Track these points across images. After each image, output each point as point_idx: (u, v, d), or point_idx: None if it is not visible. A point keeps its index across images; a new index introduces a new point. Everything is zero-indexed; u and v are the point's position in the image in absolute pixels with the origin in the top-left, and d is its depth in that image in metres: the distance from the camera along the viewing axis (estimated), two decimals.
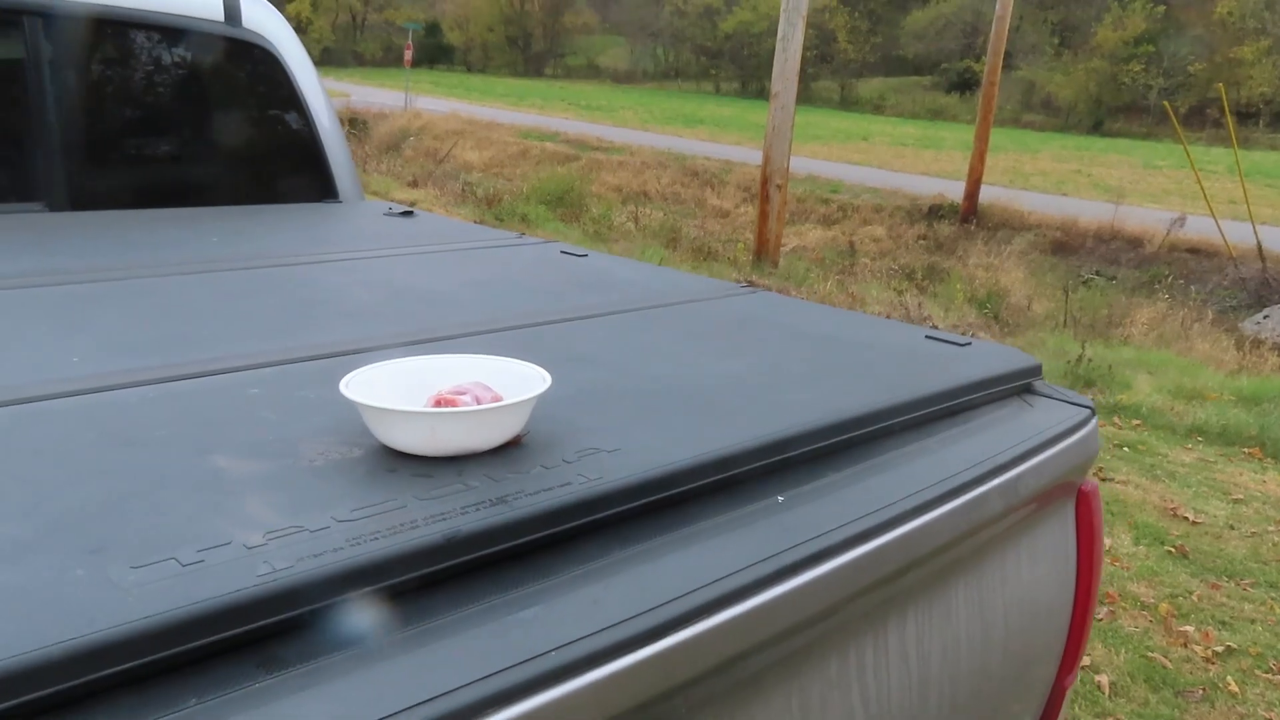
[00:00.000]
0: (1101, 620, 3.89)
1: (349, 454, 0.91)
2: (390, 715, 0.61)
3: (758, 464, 0.99)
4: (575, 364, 1.25)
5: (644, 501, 0.89)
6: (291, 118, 2.57)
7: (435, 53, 59.06)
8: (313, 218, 2.37)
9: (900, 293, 9.41)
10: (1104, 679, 3.46)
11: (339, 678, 0.65)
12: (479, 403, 0.96)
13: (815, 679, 0.93)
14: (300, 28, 58.28)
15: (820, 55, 44.92)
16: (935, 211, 16.20)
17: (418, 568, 0.74)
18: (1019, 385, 1.37)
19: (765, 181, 11.32)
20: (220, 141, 2.50)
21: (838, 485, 1.02)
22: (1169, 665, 3.58)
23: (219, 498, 0.81)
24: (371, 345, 1.26)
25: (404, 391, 0.96)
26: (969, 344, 1.46)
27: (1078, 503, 1.35)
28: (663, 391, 1.17)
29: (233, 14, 2.41)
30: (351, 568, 0.71)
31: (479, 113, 29.76)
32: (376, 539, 0.74)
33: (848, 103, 44.71)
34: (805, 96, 44.36)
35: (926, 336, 1.50)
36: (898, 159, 24.09)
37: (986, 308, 9.58)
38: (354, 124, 24.77)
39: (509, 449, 0.95)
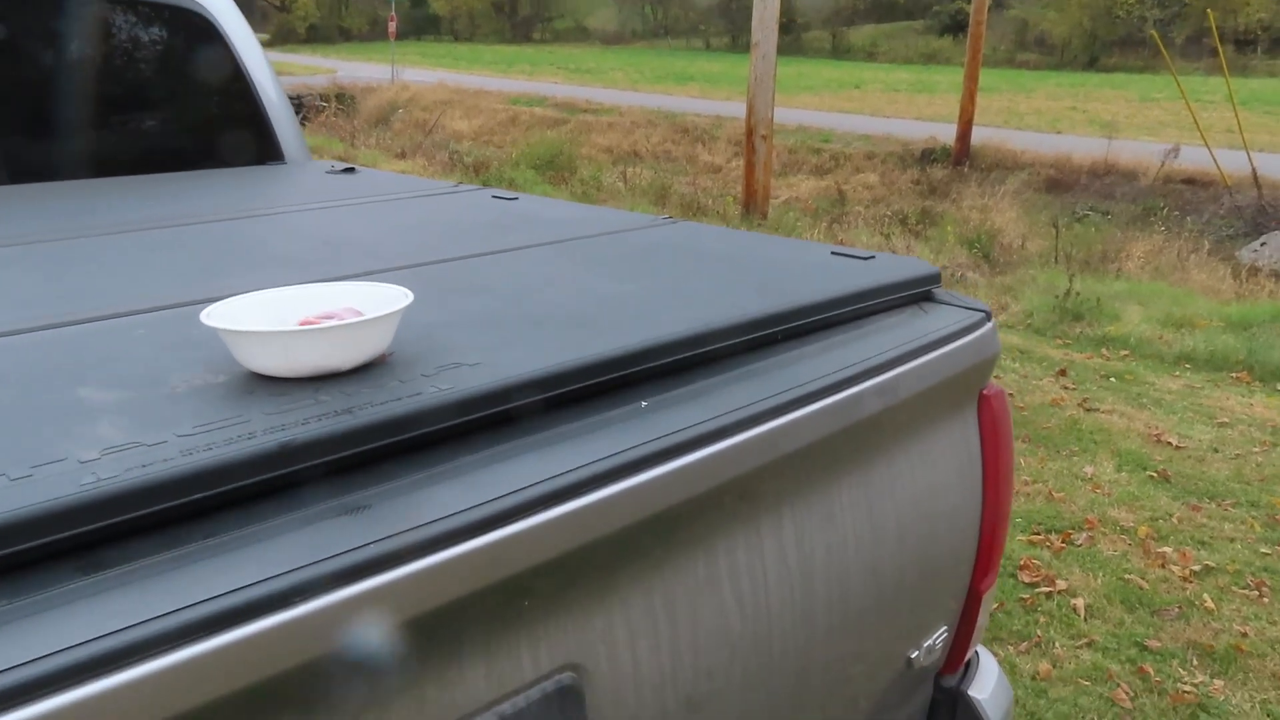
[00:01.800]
0: (1080, 546, 3.92)
1: (212, 380, 0.93)
2: (201, 603, 0.64)
3: (622, 373, 1.01)
4: (472, 293, 1.27)
5: (497, 410, 0.90)
6: (232, 83, 2.57)
7: (422, 24, 58.52)
8: (252, 179, 2.37)
9: (888, 237, 9.38)
10: (1080, 602, 3.50)
11: (156, 578, 0.67)
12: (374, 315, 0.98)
13: (680, 581, 0.95)
14: (285, 6, 57.75)
15: (811, 3, 44.36)
16: (928, 155, 16.08)
17: (250, 475, 0.76)
18: (916, 293, 1.38)
19: (750, 133, 11.24)
20: (159, 110, 2.50)
21: (705, 391, 1.03)
22: (1145, 586, 3.61)
23: (72, 424, 0.83)
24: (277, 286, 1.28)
25: (272, 319, 0.98)
26: (872, 258, 1.47)
27: (980, 407, 1.37)
28: (551, 314, 1.18)
29: None
30: (177, 475, 0.73)
31: (467, 81, 29.52)
32: (210, 450, 0.76)
33: (839, 51, 44.16)
34: (796, 47, 43.96)
35: (832, 253, 1.51)
36: (890, 105, 23.85)
37: (977, 247, 9.54)
38: (341, 99, 24.65)
39: (373, 368, 0.96)
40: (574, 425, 0.93)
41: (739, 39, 45.89)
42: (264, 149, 2.63)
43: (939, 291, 1.43)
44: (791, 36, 43.36)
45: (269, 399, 0.88)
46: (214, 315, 0.93)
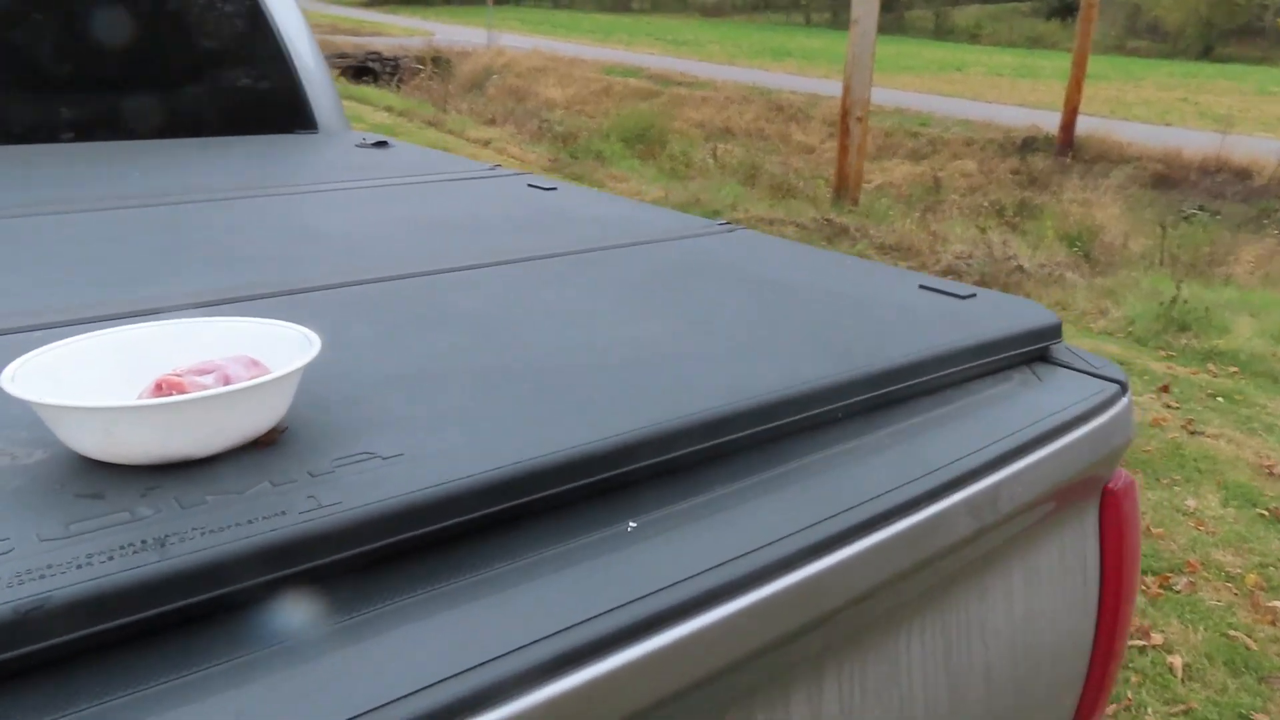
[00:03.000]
0: (1179, 593, 3.50)
1: (23, 459, 0.67)
2: None
3: (603, 475, 0.71)
4: (441, 327, 0.99)
5: (402, 539, 0.62)
6: (265, 48, 2.33)
7: None
8: (271, 149, 2.13)
9: (984, 230, 8.81)
10: (1177, 660, 3.09)
11: None
12: (227, 383, 0.70)
13: None
14: None
15: None
16: (1029, 144, 15.22)
17: None
18: (1029, 351, 1.05)
19: (845, 114, 10.72)
20: (188, 73, 2.28)
21: (718, 507, 0.73)
22: (1253, 646, 3.18)
23: None
24: (225, 298, 1.02)
25: (123, 372, 0.71)
26: (972, 296, 1.14)
27: (1103, 506, 1.03)
28: (537, 366, 0.89)
29: None
30: None
31: (563, 49, 29.30)
32: None
33: (942, 32, 42.50)
34: (898, 26, 42.47)
35: (920, 286, 1.18)
36: (992, 89, 22.80)
37: (1077, 245, 8.89)
38: (437, 63, 24.67)
39: (250, 451, 0.69)
40: (505, 568, 0.64)
41: (840, 15, 44.59)
42: (296, 117, 2.40)
43: (1059, 348, 1.09)
44: (894, 15, 41.96)
45: (67, 504, 0.61)
46: (23, 374, 0.66)
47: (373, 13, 48.95)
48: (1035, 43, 37.97)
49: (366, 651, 0.55)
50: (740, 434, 0.78)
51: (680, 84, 23.83)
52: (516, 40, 29.97)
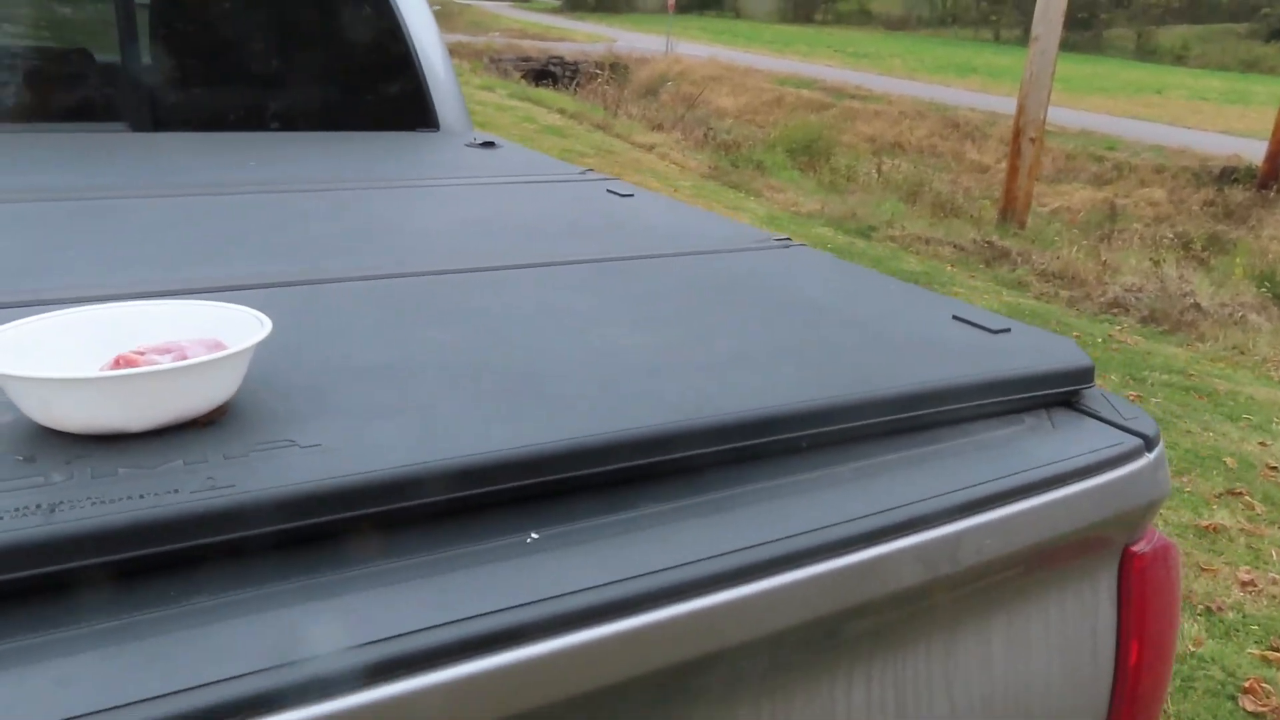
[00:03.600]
0: None
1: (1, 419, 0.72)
2: None
3: (526, 481, 0.71)
4: (452, 321, 1.01)
5: (283, 527, 0.63)
6: (391, 44, 2.44)
7: None
8: (387, 146, 2.23)
9: (1158, 263, 8.20)
10: None
11: None
12: (180, 360, 0.74)
13: None
14: None
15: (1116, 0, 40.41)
16: (1228, 174, 14.07)
17: None
18: (1052, 394, 0.97)
19: (1017, 134, 10.25)
20: (313, 66, 2.42)
21: (640, 525, 0.71)
22: None
23: None
24: (276, 281, 1.09)
25: (83, 348, 0.76)
26: (1005, 332, 1.06)
27: (1123, 571, 0.94)
28: (505, 368, 0.90)
29: None
30: None
31: (739, 59, 29.33)
32: None
33: (1144, 52, 39.87)
34: (1094, 44, 40.18)
35: (954, 317, 1.12)
36: (1193, 115, 21.23)
37: (1268, 285, 8.14)
38: (614, 69, 25.17)
39: (185, 430, 0.72)
40: (387, 567, 0.64)
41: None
42: (418, 115, 2.50)
43: (1091, 394, 1.01)
44: (1091, 33, 39.76)
45: (1, 465, 0.66)
46: None
47: (561, 19, 50.51)
48: (1250, 66, 35.07)
49: (207, 633, 0.57)
50: (668, 455, 0.76)
51: (854, 97, 23.40)
52: (695, 49, 30.21)
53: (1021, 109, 10.10)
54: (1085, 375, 0.98)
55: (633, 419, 0.78)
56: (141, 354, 0.76)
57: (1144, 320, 6.87)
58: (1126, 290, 7.27)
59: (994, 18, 47.98)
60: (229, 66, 2.35)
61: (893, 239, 9.16)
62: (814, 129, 17.12)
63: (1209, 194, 13.48)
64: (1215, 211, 12.70)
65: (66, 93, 2.25)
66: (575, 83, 22.48)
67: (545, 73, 23.90)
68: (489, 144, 2.30)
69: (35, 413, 0.70)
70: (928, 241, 9.05)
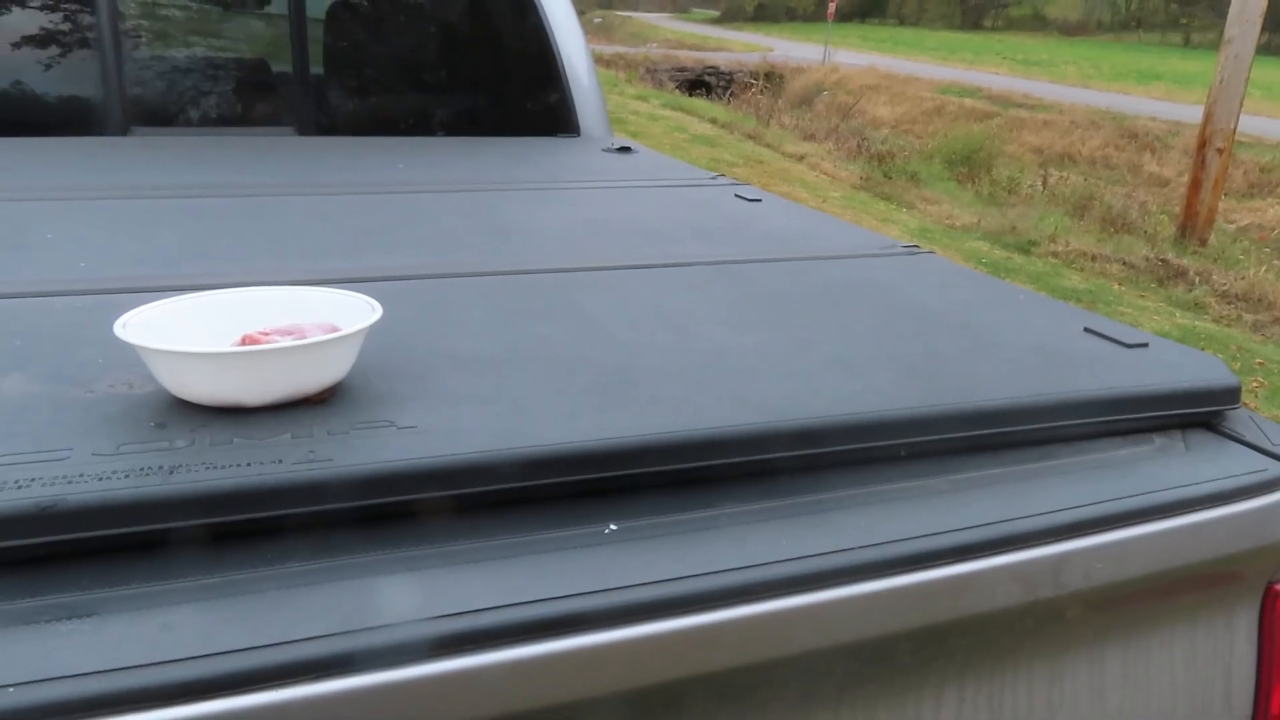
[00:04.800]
0: None
1: (137, 389, 0.79)
2: None
3: (606, 474, 0.72)
4: (561, 317, 1.04)
5: (371, 502, 0.67)
6: (538, 51, 2.52)
7: (868, 5, 57.67)
8: (528, 150, 2.30)
9: None
10: None
11: None
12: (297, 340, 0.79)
13: None
14: None
15: None
16: None
17: (3, 537, 0.60)
18: (1190, 414, 0.91)
19: (1202, 144, 9.57)
20: (465, 74, 2.53)
21: (709, 524, 0.71)
22: None
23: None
24: (385, 275, 1.15)
25: (213, 328, 0.82)
26: (1143, 346, 1.00)
27: (1264, 611, 0.87)
28: (610, 362, 0.91)
29: None
30: None
31: (899, 67, 28.63)
32: None
33: None
34: None
35: (1085, 329, 1.06)
36: None
37: None
38: (770, 78, 25.06)
39: (301, 406, 0.77)
40: (458, 547, 0.67)
41: None
42: (561, 121, 2.57)
43: (1236, 415, 0.93)
44: None
45: (135, 429, 0.72)
46: (134, 322, 0.79)
47: (719, 29, 50.66)
48: None
49: (294, 595, 0.60)
50: (754, 456, 0.75)
51: (1021, 106, 22.43)
52: (853, 57, 29.70)
53: (1209, 117, 9.44)
54: (1229, 395, 0.91)
55: (718, 418, 0.78)
56: (266, 334, 0.82)
57: None
58: None
59: (1185, 19, 44.97)
60: (388, 75, 2.48)
61: (1054, 255, 8.72)
62: (975, 139, 16.49)
63: None
64: None
65: (242, 100, 2.43)
66: (729, 93, 22.50)
67: (700, 83, 24.03)
68: (625, 149, 2.33)
69: (169, 384, 0.76)
70: (1094, 258, 8.57)
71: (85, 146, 2.05)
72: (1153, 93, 24.94)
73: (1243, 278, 7.87)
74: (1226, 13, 9.45)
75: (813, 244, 1.46)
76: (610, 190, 1.84)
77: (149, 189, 1.63)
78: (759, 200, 1.74)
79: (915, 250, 1.42)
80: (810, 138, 16.07)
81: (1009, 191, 12.86)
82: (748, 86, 23.41)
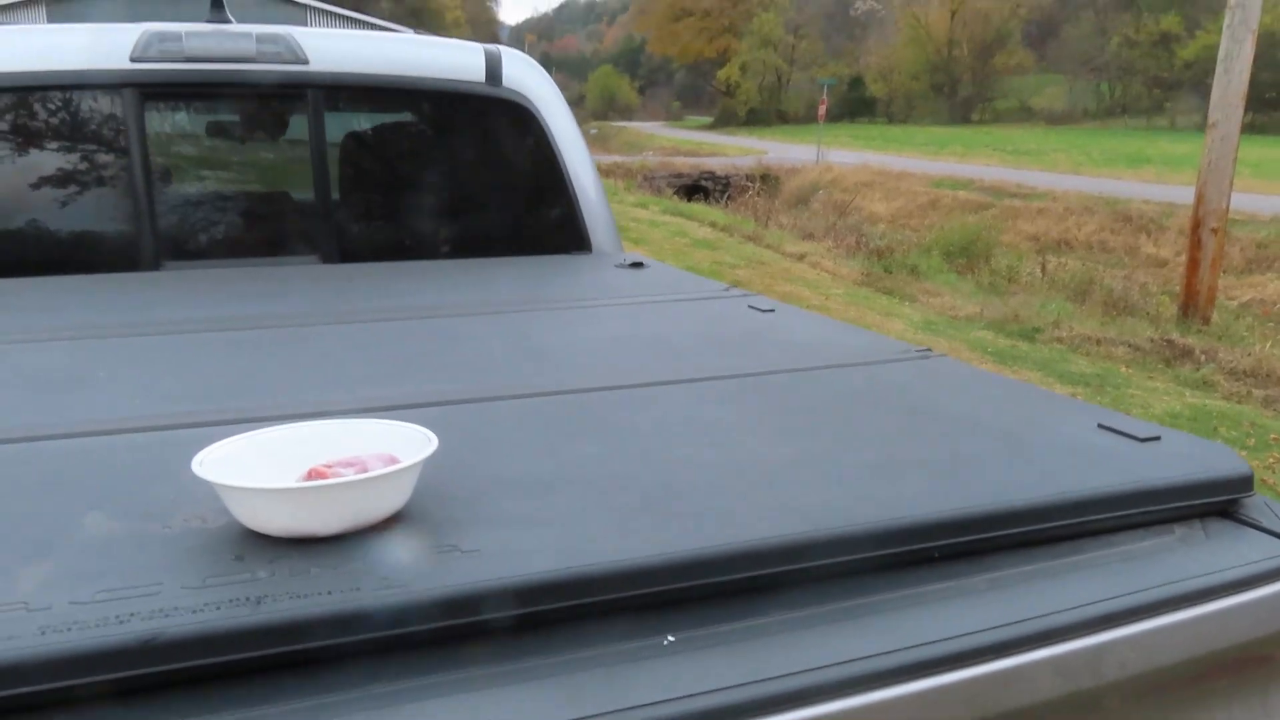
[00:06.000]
0: None
1: (210, 523, 0.84)
2: None
3: (653, 589, 0.76)
4: (600, 436, 1.09)
5: (427, 628, 0.71)
6: (547, 172, 2.64)
7: (857, 106, 59.45)
8: (544, 269, 2.40)
9: None
10: None
11: None
12: (361, 474, 0.85)
13: None
14: (729, 91, 62.01)
15: None
16: None
17: (108, 670, 0.64)
18: (1207, 504, 0.95)
19: (1196, 225, 9.76)
20: (478, 197, 2.65)
21: (748, 635, 0.75)
22: None
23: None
24: (423, 401, 1.21)
25: (280, 463, 0.88)
26: (1155, 439, 1.05)
27: None
28: (657, 478, 0.96)
29: (494, 75, 2.55)
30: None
31: (892, 163, 29.34)
32: (79, 629, 0.66)
33: None
34: None
35: (1099, 425, 1.11)
36: None
37: None
38: (765, 180, 25.69)
39: (367, 534, 0.82)
40: (548, 660, 0.71)
41: None
42: (572, 239, 2.67)
43: (1253, 503, 0.97)
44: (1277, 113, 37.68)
45: (217, 563, 0.76)
46: (209, 459, 0.85)
47: (713, 134, 52.17)
48: None
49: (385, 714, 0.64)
50: (800, 564, 0.79)
51: (1015, 195, 22.89)
52: (846, 155, 30.48)
53: (1200, 198, 9.65)
54: (1242, 484, 0.96)
55: (764, 530, 0.82)
56: (330, 467, 0.87)
57: None
58: None
59: (1169, 104, 46.20)
60: (404, 202, 2.60)
61: (1060, 340, 8.80)
62: (972, 230, 16.80)
63: None
64: None
65: (266, 231, 2.55)
66: (726, 196, 23.05)
67: (697, 187, 24.64)
68: (637, 264, 2.42)
69: (245, 518, 0.81)
70: (1099, 342, 8.64)
71: (122, 283, 2.15)
72: (1144, 176, 25.47)
73: (1249, 354, 7.92)
74: (1209, 96, 9.76)
75: (830, 351, 1.52)
76: (629, 306, 1.92)
77: (189, 323, 1.71)
78: (772, 310, 1.81)
79: (928, 354, 1.48)
80: (809, 236, 16.38)
81: (1009, 280, 13.04)
82: (744, 189, 23.99)
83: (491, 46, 2.64)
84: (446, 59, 2.55)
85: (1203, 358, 7.93)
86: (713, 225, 16.58)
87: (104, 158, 2.29)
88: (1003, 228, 18.92)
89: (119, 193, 2.32)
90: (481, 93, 2.55)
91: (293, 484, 0.81)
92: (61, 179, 2.27)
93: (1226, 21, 9.36)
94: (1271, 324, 10.53)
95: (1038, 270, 13.73)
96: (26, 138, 2.22)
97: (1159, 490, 0.93)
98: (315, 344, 1.59)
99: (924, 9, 56.64)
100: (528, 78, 2.63)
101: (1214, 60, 9.54)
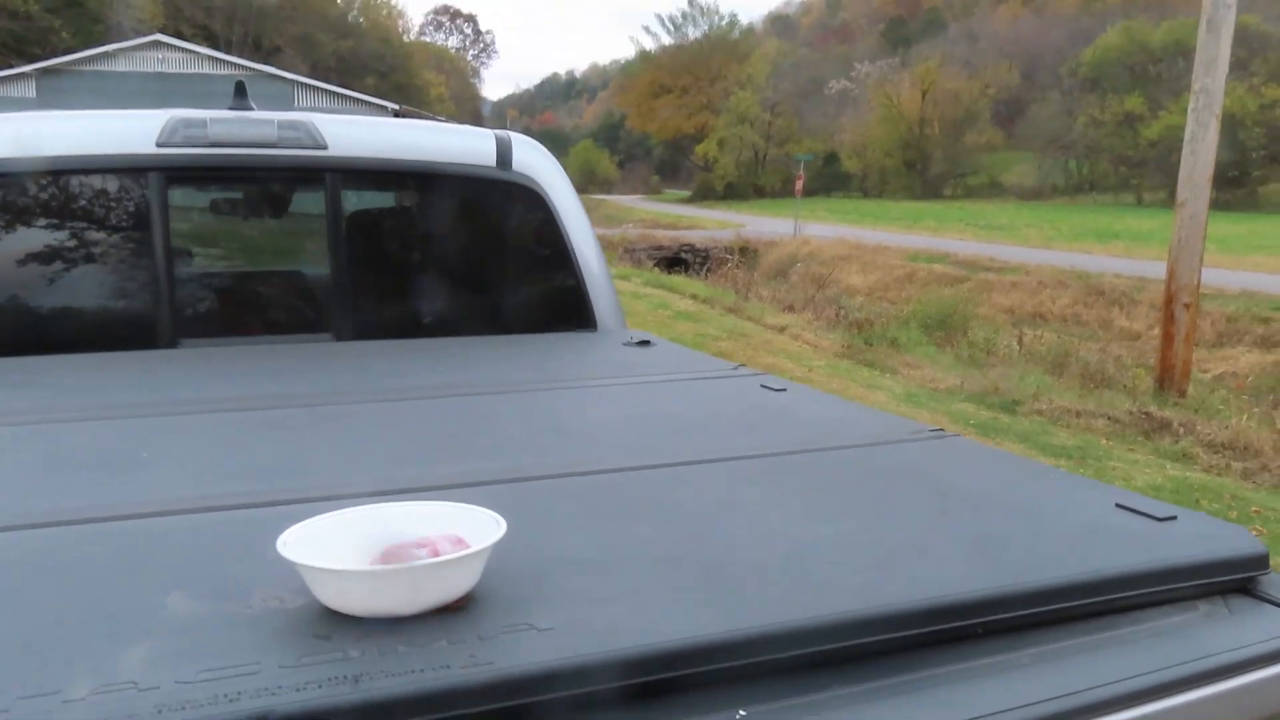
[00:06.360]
0: None
1: (289, 603, 0.88)
2: None
3: (726, 664, 0.81)
4: (636, 516, 1.14)
5: (515, 704, 0.75)
6: (555, 253, 2.72)
7: (832, 181, 60.74)
8: (553, 347, 2.46)
9: None
10: None
11: None
12: (435, 555, 0.89)
13: None
14: (706, 166, 63.21)
15: (1270, 156, 39.51)
16: None
17: None
18: (1225, 582, 1.01)
19: (1170, 300, 10.00)
20: (488, 276, 2.72)
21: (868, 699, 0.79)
22: None
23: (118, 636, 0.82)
24: (465, 482, 1.25)
25: (356, 544, 0.92)
26: (1171, 519, 1.11)
27: None
28: (706, 558, 1.01)
29: (504, 159, 2.64)
30: None
31: (868, 237, 29.89)
32: (194, 708, 0.70)
33: None
34: (1250, 202, 39.00)
35: (1116, 505, 1.17)
36: None
37: None
38: (744, 253, 26.05)
39: (444, 614, 0.86)
40: None
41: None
42: (579, 317, 2.74)
43: (1269, 580, 1.03)
44: (1245, 190, 38.86)
45: (305, 641, 0.80)
46: (292, 541, 0.89)
47: (692, 208, 53.03)
48: None
49: None
50: (860, 639, 0.84)
51: (989, 269, 23.36)
52: (822, 229, 31.03)
53: (1172, 274, 9.91)
54: (1259, 562, 1.02)
55: (823, 606, 0.87)
56: (403, 548, 0.91)
57: None
58: None
59: (1134, 182, 47.50)
60: (416, 282, 2.67)
61: (1040, 413, 8.93)
62: (949, 303, 17.09)
63: None
64: None
65: (281, 309, 2.60)
66: (706, 268, 23.35)
67: (677, 260, 24.98)
68: (645, 342, 2.49)
69: (330, 598, 0.85)
70: (1079, 414, 8.78)
71: (142, 361, 2.18)
72: (1113, 250, 26.05)
73: (1226, 427, 8.06)
74: (1175, 173, 10.09)
75: (847, 431, 1.58)
76: (644, 385, 1.98)
77: (219, 402, 1.75)
78: (784, 390, 1.88)
79: (941, 434, 1.54)
80: (789, 309, 16.60)
81: (987, 352, 13.24)
82: (723, 261, 24.32)
83: (502, 132, 2.74)
84: (459, 144, 2.64)
85: (1181, 430, 8.07)
86: (694, 297, 16.78)
87: (126, 237, 2.35)
88: (978, 300, 19.27)
89: (139, 271, 2.38)
90: (492, 176, 2.64)
91: (380, 566, 0.86)
92: (83, 257, 2.32)
93: (1191, 105, 9.73)
94: (1245, 397, 10.74)
95: (1015, 343, 13.96)
96: (54, 217, 2.27)
97: (1185, 568, 0.99)
98: (347, 422, 1.63)
99: (896, 88, 58.35)
100: (536, 162, 2.73)
101: (1177, 139, 9.89)
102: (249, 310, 2.57)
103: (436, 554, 0.89)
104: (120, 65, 24.20)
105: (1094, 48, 51.42)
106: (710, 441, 1.52)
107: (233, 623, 0.84)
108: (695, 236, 29.99)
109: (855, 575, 0.95)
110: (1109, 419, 8.60)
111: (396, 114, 21.91)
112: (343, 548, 0.91)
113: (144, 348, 2.31)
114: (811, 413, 1.72)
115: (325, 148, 2.44)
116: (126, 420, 1.63)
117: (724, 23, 70.04)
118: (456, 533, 0.94)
